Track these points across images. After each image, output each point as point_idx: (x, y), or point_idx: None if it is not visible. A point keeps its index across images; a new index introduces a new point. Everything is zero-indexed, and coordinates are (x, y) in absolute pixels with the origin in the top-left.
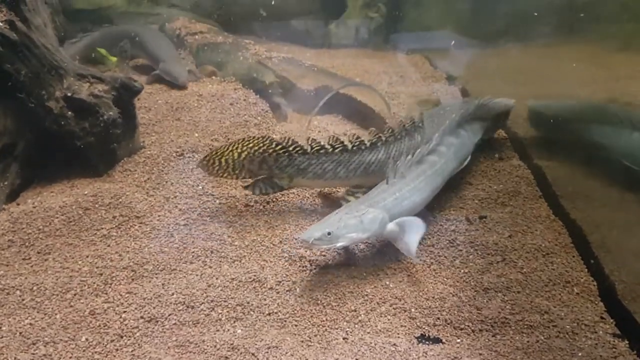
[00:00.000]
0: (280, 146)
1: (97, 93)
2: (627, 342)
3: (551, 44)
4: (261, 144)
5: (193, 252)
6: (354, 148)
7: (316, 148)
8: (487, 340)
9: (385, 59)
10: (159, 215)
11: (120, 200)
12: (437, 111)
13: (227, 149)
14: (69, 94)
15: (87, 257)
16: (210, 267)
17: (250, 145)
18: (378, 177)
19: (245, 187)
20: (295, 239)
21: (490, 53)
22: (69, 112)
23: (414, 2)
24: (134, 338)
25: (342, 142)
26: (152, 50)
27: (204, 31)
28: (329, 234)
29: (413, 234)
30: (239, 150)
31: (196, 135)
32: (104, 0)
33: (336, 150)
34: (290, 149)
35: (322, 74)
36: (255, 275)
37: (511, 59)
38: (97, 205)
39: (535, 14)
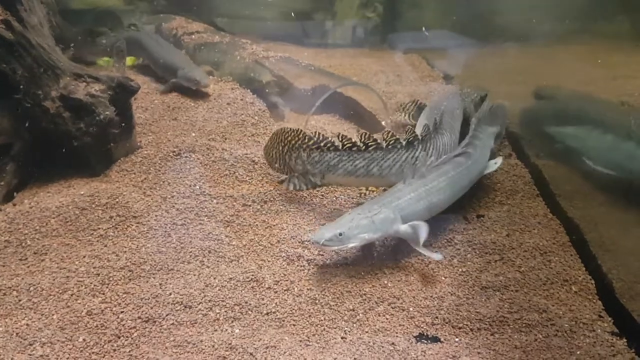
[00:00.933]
0: (312, 141)
1: (94, 93)
2: (625, 340)
3: (548, 44)
4: (296, 138)
5: (190, 252)
6: (389, 146)
7: (347, 145)
8: (485, 339)
9: (382, 59)
10: (156, 215)
11: (117, 200)
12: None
13: (273, 141)
14: (66, 94)
15: (84, 257)
16: (208, 266)
17: (289, 138)
18: None
19: (280, 182)
20: (307, 240)
21: (487, 52)
22: (66, 112)
23: (410, 2)
24: (132, 338)
25: (376, 140)
26: (166, 60)
27: (200, 31)
28: (340, 234)
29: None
30: (282, 144)
31: (193, 135)
32: (101, 1)
33: (369, 148)
34: (322, 144)
35: (320, 74)
36: (253, 275)
37: (508, 58)
38: (94, 205)
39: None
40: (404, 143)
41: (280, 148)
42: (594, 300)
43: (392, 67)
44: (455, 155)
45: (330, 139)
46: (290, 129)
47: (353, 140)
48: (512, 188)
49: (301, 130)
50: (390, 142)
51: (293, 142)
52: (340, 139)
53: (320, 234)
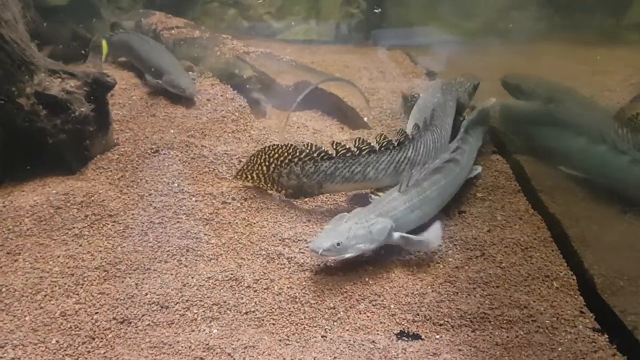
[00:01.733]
0: (304, 153)
1: (69, 89)
2: (606, 336)
3: (532, 40)
4: (285, 153)
5: (168, 250)
6: (382, 148)
7: (342, 152)
8: (466, 335)
9: (366, 55)
10: (132, 214)
11: (93, 198)
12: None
13: (255, 161)
14: (40, 90)
15: (58, 257)
16: (186, 266)
17: (276, 155)
18: None
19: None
20: (306, 248)
21: (471, 50)
22: (40, 109)
23: None
24: (106, 340)
25: (369, 144)
26: (154, 62)
27: (180, 26)
28: (338, 244)
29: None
30: (267, 163)
31: (172, 131)
32: None
33: (363, 152)
34: (315, 155)
35: (302, 69)
36: (232, 274)
37: (491, 55)
38: (68, 204)
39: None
40: (396, 144)
41: (265, 168)
42: (576, 296)
43: (376, 64)
44: (445, 161)
45: (322, 148)
46: (275, 145)
47: (347, 146)
48: (494, 184)
49: (291, 145)
50: (383, 144)
51: (281, 158)
52: (333, 147)
53: (319, 243)
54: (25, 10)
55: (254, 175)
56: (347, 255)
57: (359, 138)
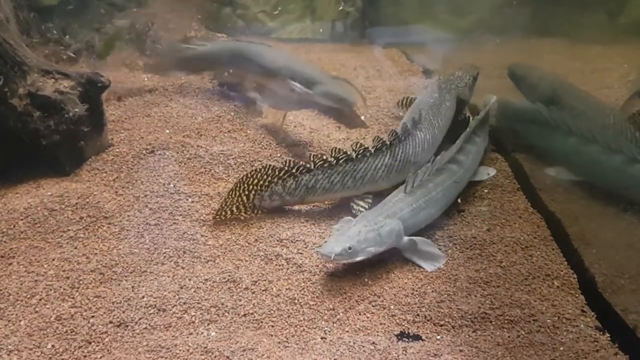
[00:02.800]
0: (283, 171)
1: (63, 89)
2: (608, 335)
3: (528, 37)
4: (265, 176)
5: (164, 252)
6: (359, 156)
7: (319, 163)
8: (467, 336)
9: (361, 54)
10: (128, 215)
11: (88, 200)
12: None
13: (235, 194)
14: (33, 91)
15: (53, 260)
16: (183, 267)
17: (255, 181)
18: (386, 182)
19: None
20: (316, 252)
21: (467, 47)
22: (34, 110)
23: None
24: (103, 344)
25: (346, 152)
26: (293, 71)
27: (174, 26)
28: (349, 248)
29: (428, 247)
30: (246, 192)
31: (167, 131)
32: None
33: (340, 162)
34: (294, 170)
35: None
36: (229, 276)
37: (487, 52)
38: (63, 206)
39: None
40: (372, 151)
41: (244, 198)
42: (577, 295)
43: (372, 62)
44: (448, 161)
45: (299, 162)
46: (252, 172)
47: (324, 157)
48: (493, 182)
49: (268, 166)
50: (360, 152)
51: (261, 182)
52: (311, 159)
53: (330, 247)
54: (17, 10)
55: (234, 209)
56: (358, 259)
57: (335, 148)
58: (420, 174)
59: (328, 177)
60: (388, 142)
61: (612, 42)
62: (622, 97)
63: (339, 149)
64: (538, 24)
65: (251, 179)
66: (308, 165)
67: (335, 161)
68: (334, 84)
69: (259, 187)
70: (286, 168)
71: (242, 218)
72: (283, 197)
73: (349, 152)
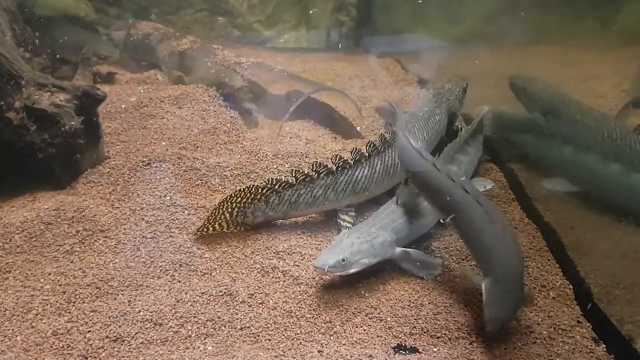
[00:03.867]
0: (266, 189)
1: (59, 103)
2: (604, 346)
3: (522, 45)
4: (249, 194)
5: (161, 266)
6: (339, 169)
7: (301, 178)
8: (464, 348)
9: (357, 63)
10: (124, 229)
11: (84, 213)
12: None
13: (218, 212)
14: (30, 104)
15: (50, 274)
16: (179, 281)
17: (239, 199)
18: (368, 194)
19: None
20: (312, 265)
21: (461, 56)
22: (30, 123)
23: (384, 6)
24: (100, 359)
25: (326, 166)
26: None
27: (169, 35)
28: (343, 260)
29: (422, 256)
30: (229, 210)
31: (163, 144)
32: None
33: (322, 175)
34: (277, 187)
35: (294, 79)
36: (226, 289)
37: (482, 62)
38: (59, 220)
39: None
40: (352, 163)
41: (227, 215)
42: (573, 306)
43: (367, 72)
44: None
45: (281, 178)
46: (236, 192)
47: (306, 172)
48: (488, 193)
49: (251, 186)
50: (340, 165)
51: (244, 200)
52: (292, 174)
53: (324, 260)
54: (13, 23)
55: (216, 226)
56: (352, 271)
57: (316, 162)
58: (412, 186)
59: (310, 191)
60: (367, 154)
61: (605, 51)
62: (615, 107)
63: (320, 163)
64: (532, 32)
65: (235, 198)
66: (290, 181)
67: (316, 175)
68: None
69: (242, 205)
70: (269, 186)
71: (226, 232)
72: (266, 214)
73: (329, 166)
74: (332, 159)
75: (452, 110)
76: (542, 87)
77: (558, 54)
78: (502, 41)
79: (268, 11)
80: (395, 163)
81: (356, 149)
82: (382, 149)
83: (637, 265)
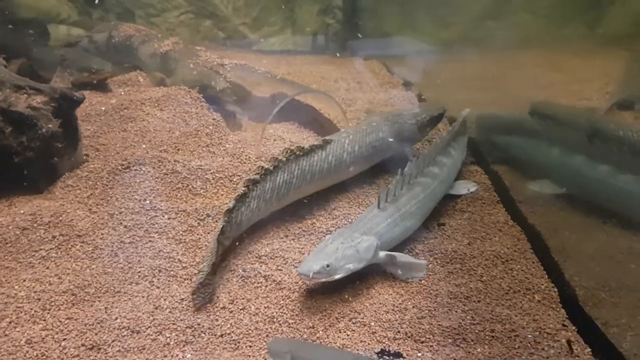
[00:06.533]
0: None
1: (36, 105)
2: (589, 349)
3: (508, 49)
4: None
5: (139, 272)
6: (261, 177)
7: (238, 196)
8: (448, 352)
9: (342, 66)
10: (102, 234)
11: (61, 218)
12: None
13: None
14: (5, 107)
15: (24, 281)
16: (158, 287)
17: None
18: (288, 198)
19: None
20: (296, 270)
21: (447, 59)
22: (6, 126)
23: (370, 9)
24: None
25: (253, 179)
26: None
27: (150, 36)
28: (327, 266)
29: (407, 259)
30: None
31: (144, 146)
32: (52, 10)
33: (251, 187)
34: (226, 218)
35: (278, 81)
36: None
37: (468, 65)
38: (35, 225)
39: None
40: (271, 169)
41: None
42: (557, 309)
43: (353, 74)
44: (422, 174)
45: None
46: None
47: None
48: (473, 195)
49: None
50: (262, 173)
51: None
52: (244, 185)
53: (308, 266)
54: None
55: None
56: (337, 277)
57: (247, 178)
58: (392, 188)
59: (247, 205)
60: (284, 159)
61: (591, 54)
62: (600, 108)
63: (250, 178)
64: (518, 35)
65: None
66: (230, 205)
67: (247, 190)
68: None
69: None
70: (223, 224)
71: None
72: (229, 238)
73: (255, 178)
74: (257, 169)
75: (405, 133)
76: (572, 111)
77: (544, 57)
78: (489, 44)
79: (253, 14)
80: (313, 170)
81: (273, 156)
82: (302, 155)
83: (622, 267)
